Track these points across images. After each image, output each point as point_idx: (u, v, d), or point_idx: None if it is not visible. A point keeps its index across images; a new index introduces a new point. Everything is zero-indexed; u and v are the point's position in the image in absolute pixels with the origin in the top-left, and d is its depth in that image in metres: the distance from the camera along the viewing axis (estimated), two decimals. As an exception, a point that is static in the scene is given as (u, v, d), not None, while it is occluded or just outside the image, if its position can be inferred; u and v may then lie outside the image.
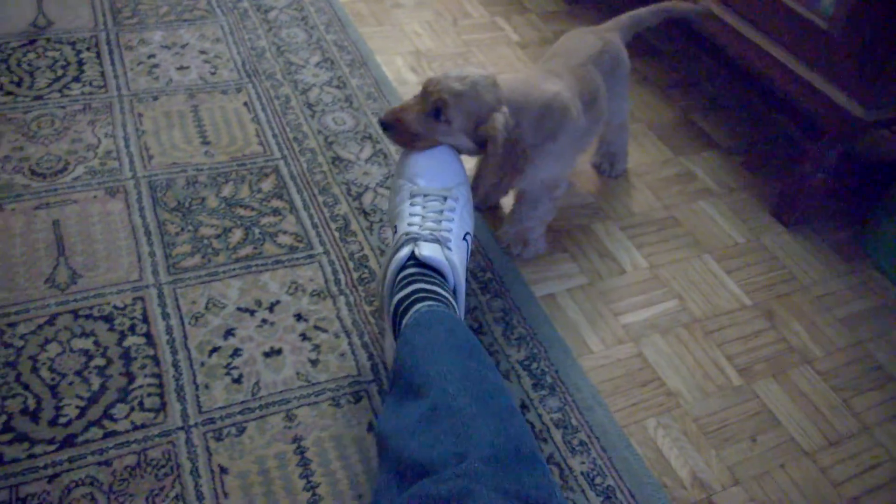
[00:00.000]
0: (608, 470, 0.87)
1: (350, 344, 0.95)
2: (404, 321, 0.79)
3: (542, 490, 0.59)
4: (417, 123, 0.91)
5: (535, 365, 0.98)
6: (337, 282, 1.03)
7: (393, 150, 1.27)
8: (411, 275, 0.83)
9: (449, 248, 0.86)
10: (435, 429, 0.63)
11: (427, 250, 0.83)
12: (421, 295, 0.80)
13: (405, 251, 0.84)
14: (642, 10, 1.24)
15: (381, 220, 1.14)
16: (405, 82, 1.46)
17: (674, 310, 1.12)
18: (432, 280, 0.83)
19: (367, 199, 1.17)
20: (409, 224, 0.88)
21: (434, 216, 0.89)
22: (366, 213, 1.15)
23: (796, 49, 1.22)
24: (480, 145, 0.94)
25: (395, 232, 0.91)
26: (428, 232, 0.86)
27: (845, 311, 1.17)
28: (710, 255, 1.22)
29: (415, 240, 0.85)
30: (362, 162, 1.23)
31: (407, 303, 0.80)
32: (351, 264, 1.06)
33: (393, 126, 0.92)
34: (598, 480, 0.86)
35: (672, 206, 1.30)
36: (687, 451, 0.94)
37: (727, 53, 1.67)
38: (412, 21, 1.66)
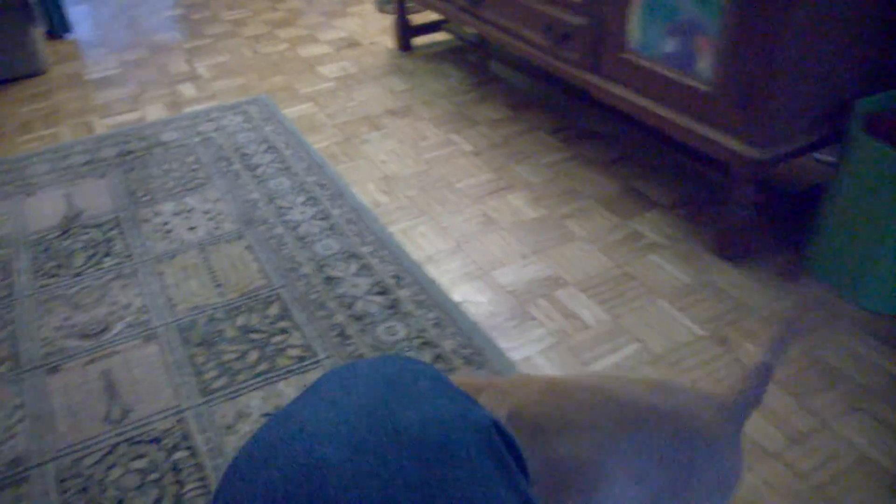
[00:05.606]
0: None
1: (358, 427, 1.13)
2: None
3: None
4: None
5: (517, 417, 1.14)
6: (341, 378, 1.22)
7: (375, 262, 1.49)
8: None
9: None
10: None
11: None
12: None
13: None
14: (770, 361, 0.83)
15: (371, 322, 1.34)
16: (379, 204, 1.71)
17: (637, 351, 1.29)
18: None
19: (358, 306, 1.38)
20: None
21: None
22: (358, 318, 1.35)
23: (691, 110, 1.45)
24: None
25: None
26: None
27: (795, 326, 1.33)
28: (663, 299, 1.40)
29: None
30: (350, 276, 1.45)
31: None
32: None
33: None
34: None
35: (625, 264, 1.49)
36: (661, 467, 1.08)
37: (652, 128, 1.92)
38: (378, 152, 1.93)
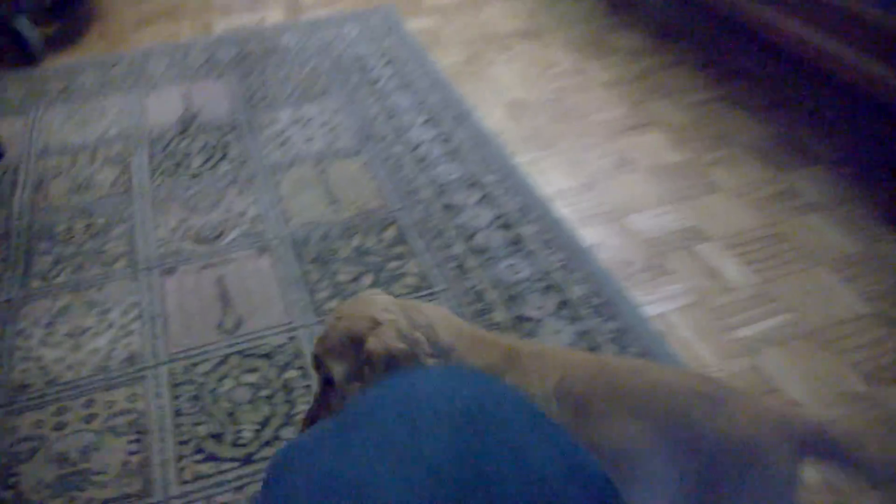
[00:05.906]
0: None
1: (476, 368, 1.05)
2: None
3: None
4: None
5: (651, 380, 1.03)
6: (460, 315, 1.13)
7: (498, 193, 1.38)
8: None
9: None
10: None
11: None
12: None
13: None
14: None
15: (491, 258, 1.24)
16: (504, 131, 1.58)
17: (789, 322, 1.14)
18: None
19: (479, 239, 1.28)
20: None
21: None
22: (477, 252, 1.25)
23: (883, 54, 1.24)
24: None
25: None
26: None
27: (974, 312, 1.14)
28: (822, 267, 1.23)
29: None
30: (472, 206, 1.35)
31: None
32: (468, 298, 1.16)
33: None
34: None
35: (780, 222, 1.32)
36: (813, 456, 0.95)
37: (821, 70, 1.68)
38: (505, 74, 1.79)
